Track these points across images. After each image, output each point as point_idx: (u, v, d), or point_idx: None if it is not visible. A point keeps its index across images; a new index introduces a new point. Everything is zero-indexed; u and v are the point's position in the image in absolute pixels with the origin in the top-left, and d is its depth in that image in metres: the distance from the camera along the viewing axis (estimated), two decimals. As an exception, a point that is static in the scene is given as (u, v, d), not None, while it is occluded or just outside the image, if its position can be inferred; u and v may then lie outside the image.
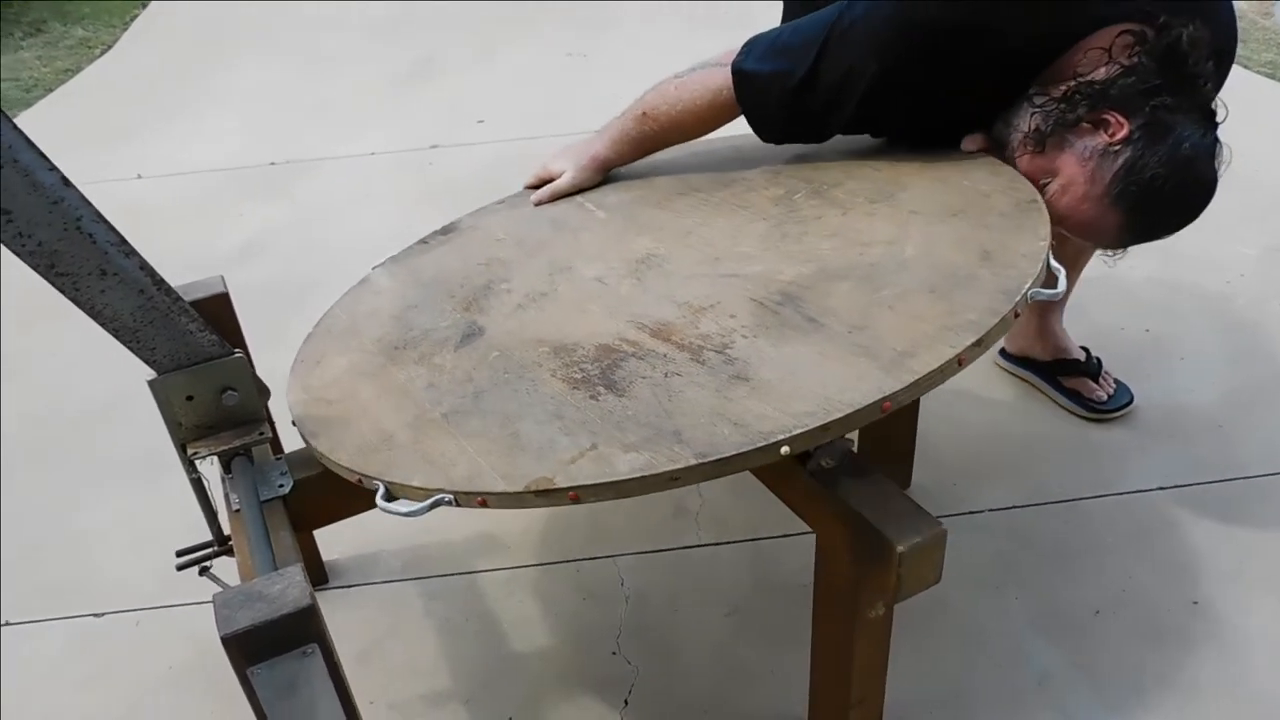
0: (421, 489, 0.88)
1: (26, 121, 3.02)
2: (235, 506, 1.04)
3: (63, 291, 0.87)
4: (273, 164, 2.69)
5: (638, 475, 0.82)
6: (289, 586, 0.78)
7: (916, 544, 0.87)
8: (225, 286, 1.17)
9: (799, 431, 0.82)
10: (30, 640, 1.41)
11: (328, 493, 1.10)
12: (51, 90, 3.27)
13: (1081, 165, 1.08)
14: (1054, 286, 0.97)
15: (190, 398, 1.01)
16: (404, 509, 0.87)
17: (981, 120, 1.20)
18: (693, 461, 0.82)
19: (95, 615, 1.44)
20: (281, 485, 1.07)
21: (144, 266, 0.90)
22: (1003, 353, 1.76)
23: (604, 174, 1.38)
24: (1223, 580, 1.38)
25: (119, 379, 1.85)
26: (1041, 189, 1.12)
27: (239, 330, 1.19)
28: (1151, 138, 1.04)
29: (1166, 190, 1.05)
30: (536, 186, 1.40)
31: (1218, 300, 1.93)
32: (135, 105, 3.13)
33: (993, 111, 1.18)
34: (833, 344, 0.93)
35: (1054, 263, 0.99)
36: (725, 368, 0.93)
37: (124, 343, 0.94)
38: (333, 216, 2.43)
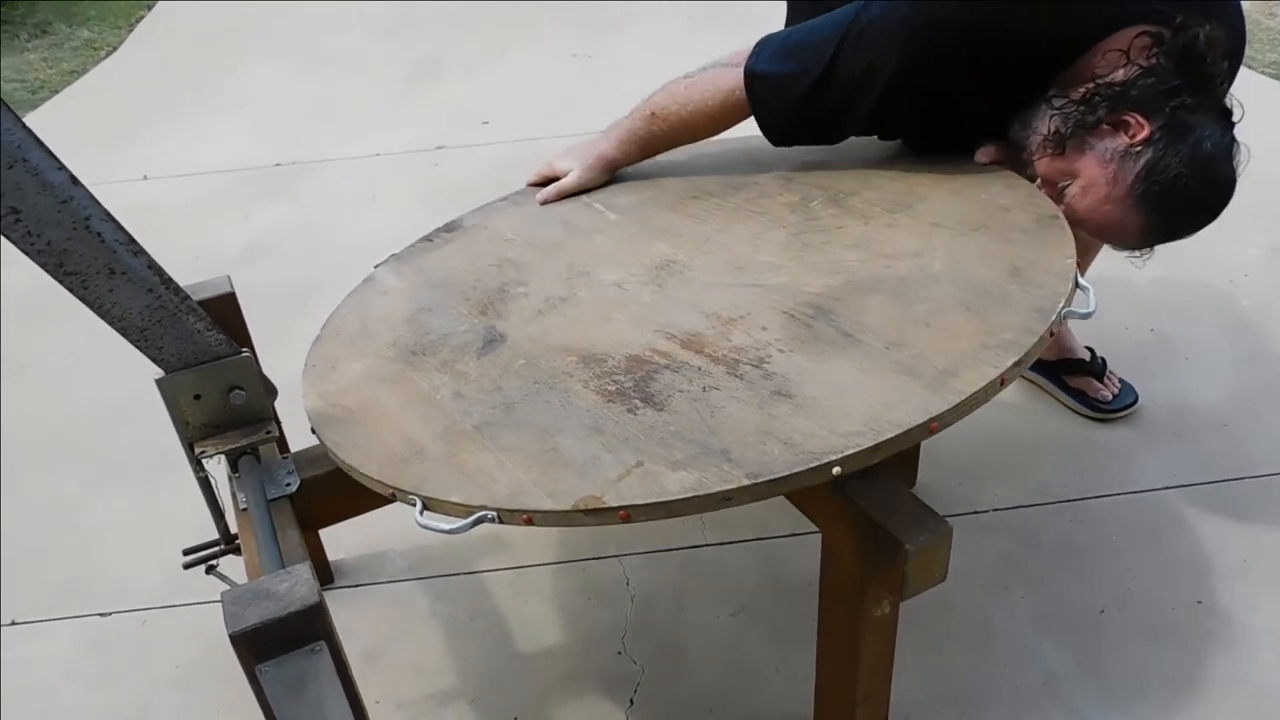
0: (463, 505, 0.86)
1: (33, 123, 3.03)
2: (242, 505, 1.04)
3: (71, 290, 0.88)
4: (278, 165, 2.70)
5: (690, 495, 0.81)
6: (297, 584, 0.78)
7: (923, 543, 0.87)
8: (232, 286, 1.18)
9: (851, 452, 0.82)
10: (37, 639, 1.41)
11: (334, 492, 1.10)
12: (57, 92, 3.28)
13: (1103, 167, 1.08)
14: (1085, 306, 0.98)
15: (198, 396, 1.01)
16: (446, 526, 0.85)
17: (996, 122, 1.20)
18: (745, 482, 0.81)
19: (102, 615, 1.44)
20: (288, 484, 1.08)
21: (152, 265, 0.91)
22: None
23: (610, 174, 1.38)
24: (1228, 579, 1.38)
25: (126, 379, 1.85)
26: (1061, 191, 1.12)
27: (246, 330, 1.19)
28: (1173, 138, 1.04)
29: (1189, 190, 1.05)
30: (540, 184, 1.39)
31: (1223, 300, 1.93)
32: (141, 106, 3.14)
33: (1008, 113, 1.18)
34: (872, 361, 0.92)
35: (1082, 280, 1.00)
36: (765, 383, 0.92)
37: (132, 341, 0.94)
38: (338, 217, 2.43)
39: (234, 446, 1.04)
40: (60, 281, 0.87)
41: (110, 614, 1.44)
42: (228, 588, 0.80)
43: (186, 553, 1.12)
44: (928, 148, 1.30)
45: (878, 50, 1.11)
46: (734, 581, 1.42)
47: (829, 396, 0.89)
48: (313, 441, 1.10)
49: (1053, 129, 1.10)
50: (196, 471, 1.06)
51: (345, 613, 1.40)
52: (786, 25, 1.49)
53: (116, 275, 0.89)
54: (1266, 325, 1.86)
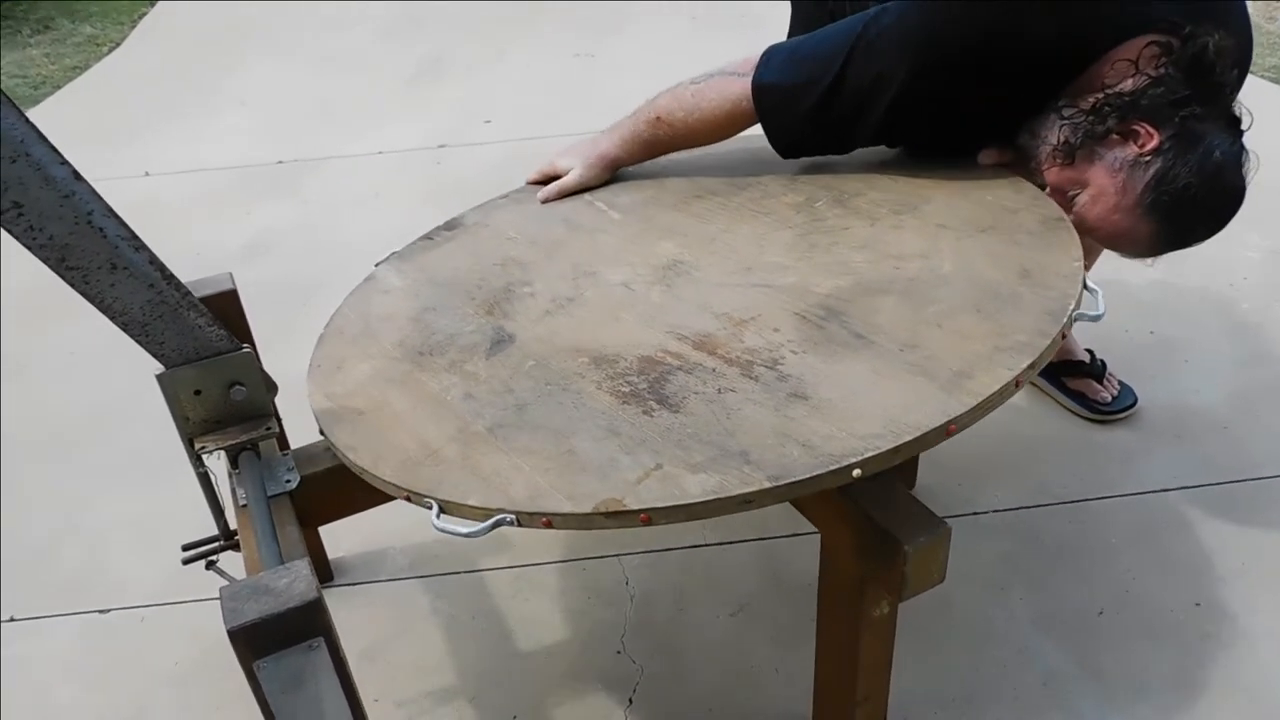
0: (480, 508, 0.86)
1: (34, 119, 3.01)
2: (242, 501, 1.04)
3: (73, 285, 0.88)
4: (280, 162, 2.70)
5: (710, 498, 0.81)
6: (295, 580, 0.78)
7: (922, 543, 0.88)
8: (233, 283, 1.18)
9: (871, 454, 0.82)
10: (36, 636, 1.41)
11: (334, 489, 1.10)
12: (60, 88, 3.28)
13: (1112, 176, 1.08)
14: (1094, 309, 0.99)
15: (198, 392, 1.01)
16: (464, 529, 0.85)
17: (1004, 130, 1.19)
18: (766, 484, 0.81)
19: (101, 611, 1.44)
20: (288, 481, 1.08)
21: (154, 261, 0.91)
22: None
23: (612, 173, 1.38)
24: (1227, 580, 1.38)
25: (125, 377, 1.85)
26: (1071, 200, 1.12)
27: (247, 327, 1.19)
28: (1182, 148, 1.05)
29: (1198, 199, 1.06)
30: (541, 182, 1.40)
31: (1222, 303, 1.93)
32: (143, 103, 3.14)
33: (1016, 120, 1.18)
34: (886, 362, 0.93)
35: (1090, 283, 1.00)
36: (780, 385, 0.92)
37: (133, 337, 0.94)
38: (340, 215, 2.43)
39: (234, 442, 1.04)
40: (62, 276, 0.87)
41: (109, 611, 1.44)
42: (227, 584, 0.80)
43: (186, 548, 1.12)
44: (934, 152, 1.30)
45: (887, 61, 1.11)
46: (733, 581, 1.42)
47: (845, 398, 0.89)
48: (313, 439, 1.10)
49: (1062, 139, 1.10)
50: (196, 467, 1.06)
51: (345, 611, 1.40)
52: (791, 26, 1.49)
53: (118, 270, 0.89)
54: (1266, 327, 1.86)
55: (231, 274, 1.19)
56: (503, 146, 2.69)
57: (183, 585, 1.44)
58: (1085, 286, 1.00)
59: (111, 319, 0.92)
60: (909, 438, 0.83)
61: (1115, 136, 1.08)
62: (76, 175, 0.83)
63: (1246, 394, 1.71)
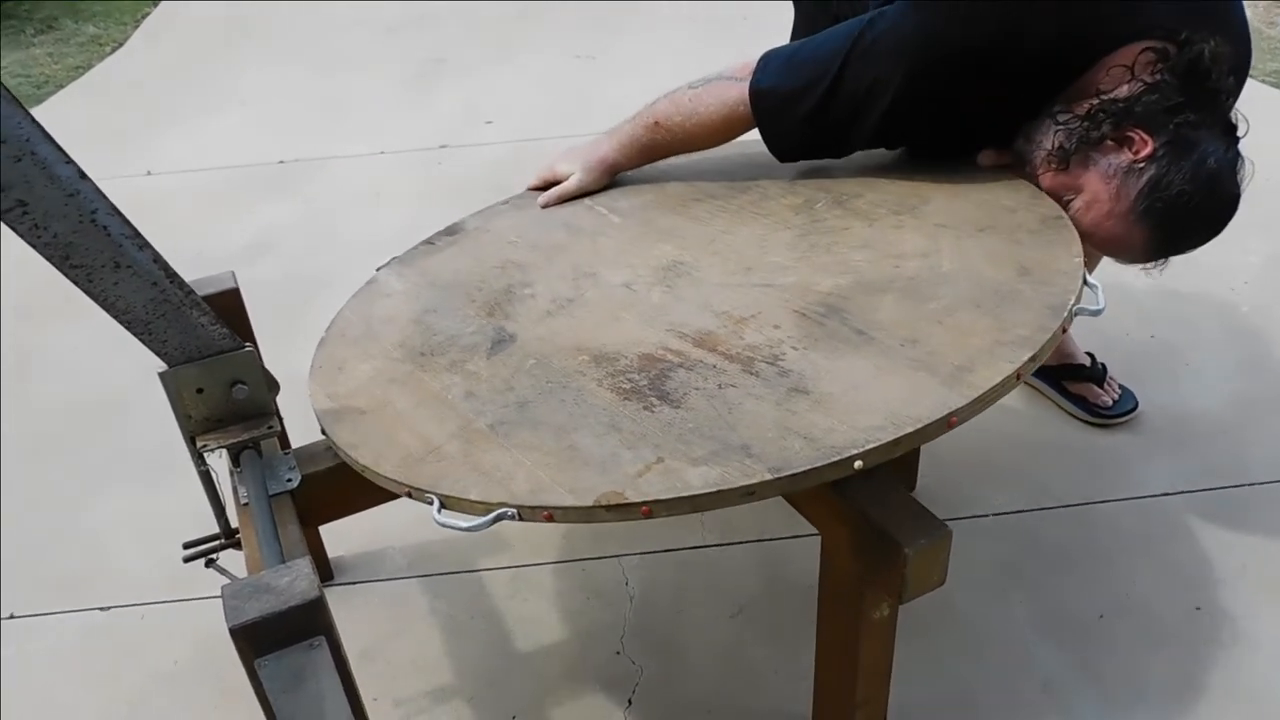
0: (481, 503, 0.86)
1: (37, 118, 3.03)
2: (243, 500, 1.04)
3: (76, 283, 0.88)
4: (282, 162, 2.70)
5: (712, 489, 0.82)
6: (297, 579, 0.78)
7: (923, 546, 0.88)
8: (235, 282, 1.18)
9: (871, 446, 0.82)
10: (35, 633, 1.41)
11: (335, 489, 1.10)
12: (63, 87, 3.29)
13: (1106, 182, 1.08)
14: (1095, 303, 0.99)
15: (200, 390, 1.02)
16: (464, 524, 0.85)
17: (1001, 133, 1.20)
18: (767, 476, 0.82)
19: (101, 609, 1.44)
20: (289, 480, 1.08)
21: (157, 260, 0.91)
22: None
23: (611, 177, 1.38)
24: (1227, 585, 1.38)
25: (127, 374, 1.86)
26: (1065, 205, 1.12)
27: (249, 326, 1.20)
28: (1176, 154, 1.05)
29: (1192, 206, 1.06)
30: (540, 188, 1.40)
31: (1223, 307, 1.93)
32: (145, 102, 3.14)
33: (1013, 126, 1.18)
34: (887, 358, 0.93)
35: (1090, 279, 1.01)
36: (781, 380, 0.93)
37: (136, 335, 0.95)
38: (342, 215, 2.44)
39: (236, 441, 1.04)
40: (66, 274, 0.87)
41: (109, 608, 1.44)
42: (228, 582, 0.80)
43: (187, 546, 1.12)
44: (931, 155, 1.31)
45: (883, 66, 1.11)
46: (733, 582, 1.42)
47: (846, 392, 0.90)
48: (314, 438, 1.11)
49: (1057, 144, 1.11)
50: (198, 465, 1.06)
51: (344, 610, 1.40)
52: (794, 27, 1.50)
53: (122, 269, 0.89)
54: (1267, 332, 1.86)
55: (234, 273, 1.19)
56: (504, 147, 2.69)
57: (183, 583, 1.44)
58: (1085, 282, 1.00)
59: (115, 317, 0.92)
60: (910, 429, 0.84)
61: (1110, 143, 1.08)
62: (81, 174, 0.83)
63: (1247, 398, 1.71)
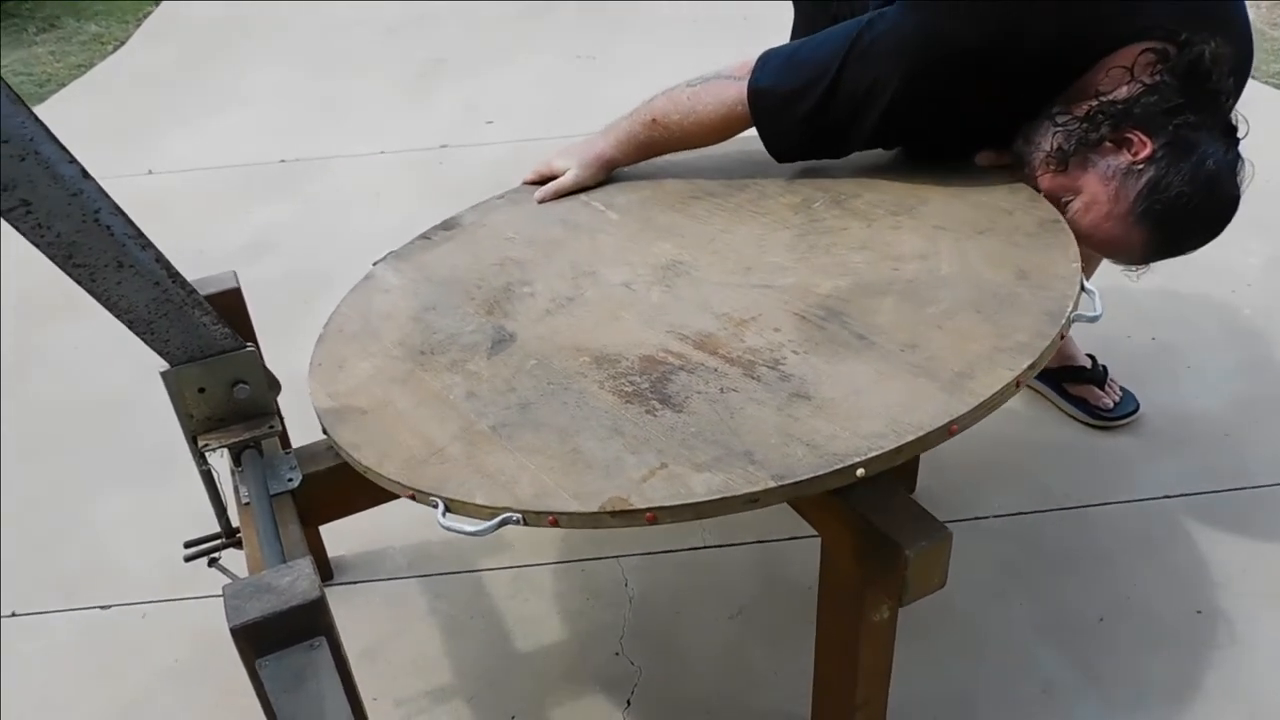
0: (486, 507, 0.86)
1: (39, 116, 3.03)
2: (244, 500, 1.04)
3: (79, 283, 0.88)
4: (283, 161, 2.70)
5: (716, 497, 0.82)
6: (298, 579, 0.78)
7: (923, 548, 0.87)
8: (237, 282, 1.18)
9: (874, 454, 0.83)
10: (36, 631, 1.41)
11: (336, 488, 1.10)
12: (64, 85, 3.29)
13: (1105, 184, 1.08)
14: (1092, 310, 0.99)
15: (202, 390, 1.02)
16: (470, 528, 0.85)
17: (999, 133, 1.20)
18: (771, 484, 0.82)
19: (102, 608, 1.44)
20: (290, 480, 1.08)
21: (160, 259, 0.91)
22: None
23: (608, 174, 1.38)
24: (1228, 588, 1.38)
25: (128, 374, 1.86)
26: (1064, 207, 1.12)
27: (250, 325, 1.20)
28: (1175, 156, 1.05)
29: (1191, 208, 1.06)
30: (537, 183, 1.40)
31: (1224, 309, 1.93)
32: (147, 101, 3.14)
33: (1011, 127, 1.18)
34: (887, 363, 0.93)
35: (1088, 284, 1.01)
36: (782, 385, 0.93)
37: (138, 334, 0.95)
38: (343, 214, 2.44)
39: (237, 440, 1.04)
40: (69, 274, 0.87)
41: (110, 607, 1.44)
42: (228, 581, 0.81)
43: (188, 545, 1.13)
44: (930, 156, 1.31)
45: (882, 67, 1.11)
46: (733, 584, 1.43)
47: (847, 398, 0.90)
48: (314, 437, 1.11)
49: (1056, 145, 1.11)
50: (199, 465, 1.06)
51: (344, 609, 1.40)
52: (794, 27, 1.50)
53: (125, 268, 0.89)
54: (1268, 334, 1.86)
55: (235, 272, 1.19)
56: (505, 147, 2.70)
57: (184, 582, 1.44)
58: (1083, 288, 1.00)
59: (117, 316, 0.92)
60: (912, 437, 0.84)
61: (1108, 144, 1.08)
62: (84, 173, 0.83)
63: (1248, 401, 1.71)
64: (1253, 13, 3.22)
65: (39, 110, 3.11)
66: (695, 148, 1.33)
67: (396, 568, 1.48)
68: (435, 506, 0.88)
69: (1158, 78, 1.07)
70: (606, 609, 1.39)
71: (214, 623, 0.79)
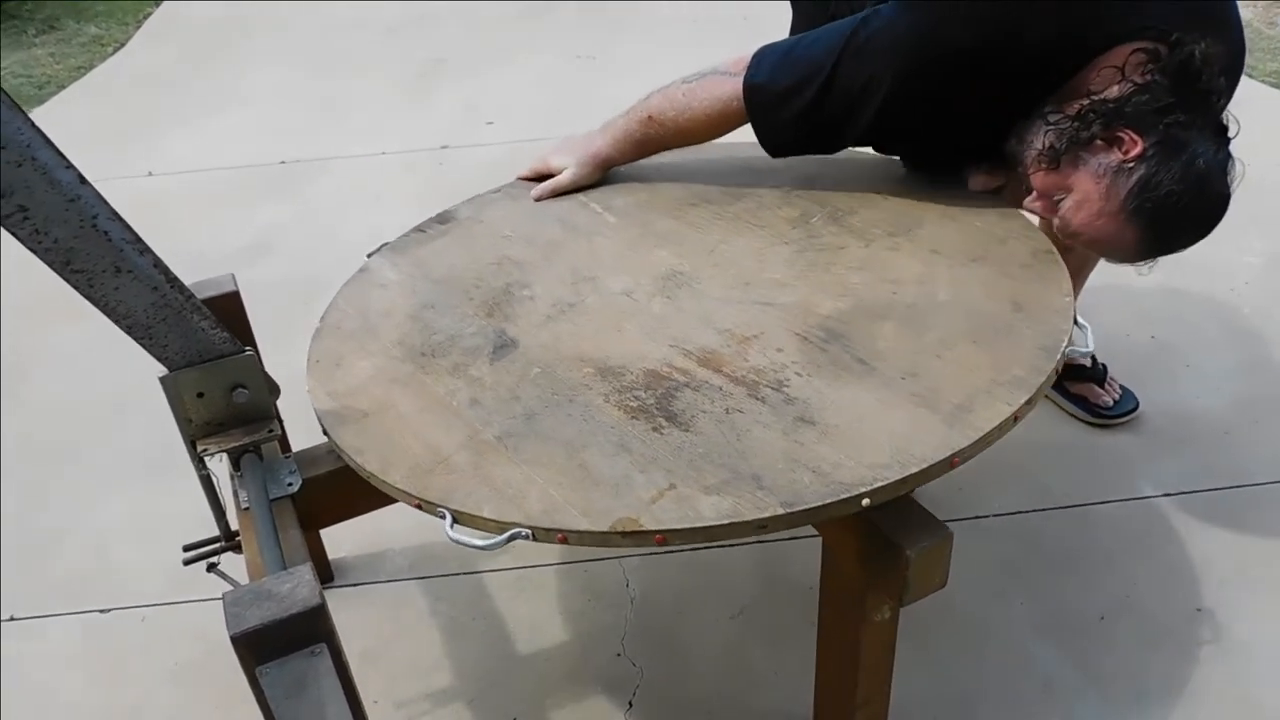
0: (495, 521, 0.86)
1: (39, 119, 3.01)
2: (244, 504, 1.04)
3: (77, 288, 0.88)
4: (283, 163, 2.70)
5: (725, 521, 0.82)
6: (298, 586, 0.78)
7: (924, 548, 0.88)
8: (236, 285, 1.18)
9: (880, 485, 0.84)
10: (36, 635, 1.41)
11: (336, 492, 1.10)
12: (64, 87, 3.29)
13: (1096, 182, 1.08)
14: (1084, 344, 1.02)
15: (201, 394, 1.01)
16: (480, 542, 0.85)
17: (994, 135, 1.20)
18: (780, 511, 0.83)
19: (101, 611, 1.44)
20: (290, 484, 1.08)
21: (158, 264, 0.91)
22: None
23: (604, 172, 1.38)
24: (1227, 586, 1.38)
25: (128, 377, 1.86)
26: (1056, 204, 1.12)
27: (249, 328, 1.20)
28: (1165, 155, 1.05)
29: (1181, 206, 1.06)
30: (533, 179, 1.40)
31: (1223, 308, 1.93)
32: (147, 103, 3.14)
33: (1004, 128, 1.18)
34: (890, 391, 0.94)
35: (1080, 319, 1.03)
36: (787, 408, 0.94)
37: (137, 339, 0.95)
38: (343, 216, 2.44)
39: (236, 445, 1.04)
40: (66, 279, 0.87)
41: (110, 611, 1.44)
42: (228, 586, 0.80)
43: (187, 549, 1.12)
44: (923, 164, 1.30)
45: (877, 64, 1.11)
46: (734, 584, 1.43)
47: (851, 425, 0.91)
48: (313, 441, 1.11)
49: (1047, 144, 1.11)
50: (198, 469, 1.06)
51: (345, 612, 1.40)
52: (792, 26, 1.49)
53: (122, 273, 0.89)
54: (1267, 332, 1.86)
55: (234, 275, 1.19)
56: (505, 148, 2.69)
57: (184, 586, 1.44)
58: (1075, 322, 1.02)
59: (115, 322, 0.92)
60: (916, 469, 0.85)
61: (1100, 143, 1.08)
62: (82, 179, 0.83)
63: (1248, 399, 1.71)
64: (1249, 12, 3.22)
65: (39, 112, 3.11)
66: (691, 144, 1.33)
67: (397, 569, 1.48)
68: (443, 518, 0.88)
69: (1149, 77, 1.07)
70: (608, 610, 1.39)
71: (215, 626, 0.79)
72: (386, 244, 1.30)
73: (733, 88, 1.21)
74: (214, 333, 0.99)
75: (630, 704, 1.26)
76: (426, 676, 1.32)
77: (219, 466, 1.07)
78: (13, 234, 0.82)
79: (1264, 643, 1.30)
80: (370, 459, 0.95)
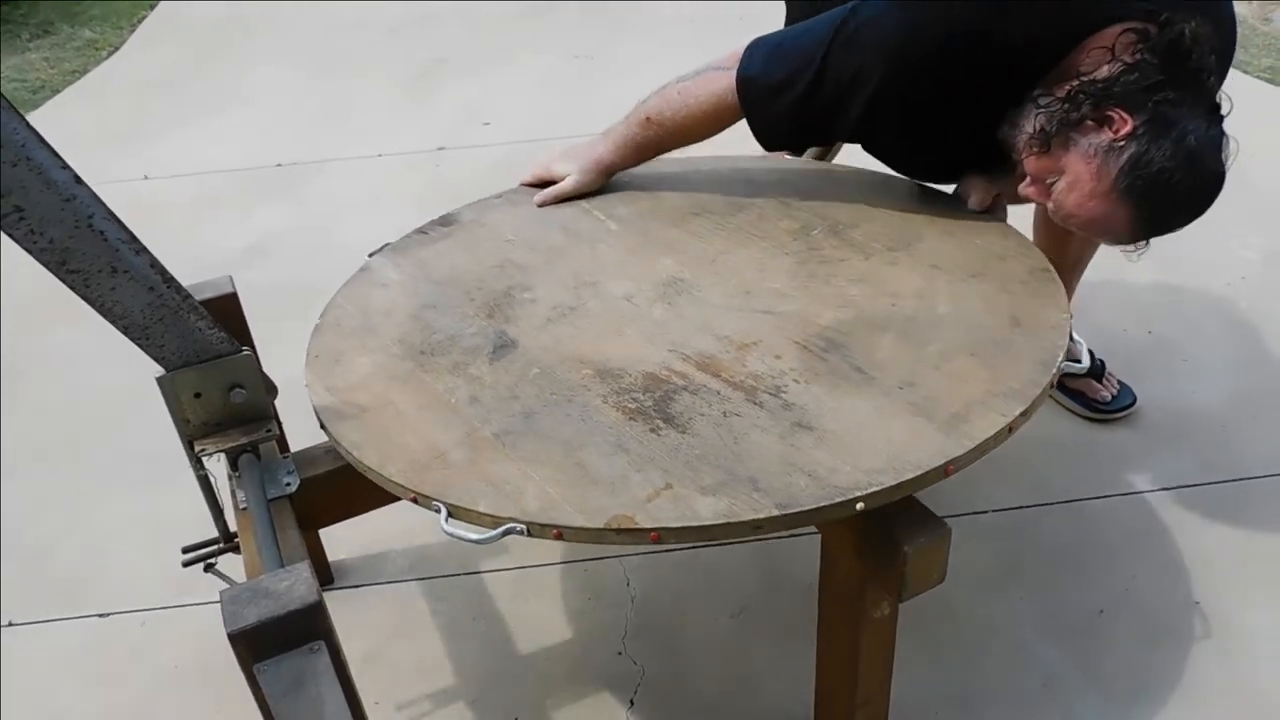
0: (490, 516, 0.86)
1: (34, 123, 3.02)
2: (242, 504, 1.04)
3: (73, 289, 0.88)
4: (279, 165, 2.70)
5: (721, 521, 0.83)
6: (296, 583, 0.78)
7: (922, 544, 0.89)
8: (234, 286, 1.18)
9: (874, 489, 0.85)
10: (35, 641, 1.41)
11: (334, 492, 1.10)
12: (59, 92, 3.28)
13: (1087, 162, 1.08)
14: (1079, 360, 1.02)
15: (198, 395, 1.01)
16: (474, 536, 0.85)
17: (982, 132, 1.19)
18: (775, 512, 0.84)
19: (101, 616, 1.44)
20: (288, 484, 1.08)
21: (154, 264, 0.91)
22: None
23: (607, 178, 1.38)
24: (1225, 581, 1.38)
25: (125, 380, 1.85)
26: (1049, 188, 1.12)
27: (247, 330, 1.20)
28: (1156, 132, 1.05)
29: (1173, 183, 1.05)
30: (536, 185, 1.40)
31: (1220, 303, 1.93)
32: (142, 107, 3.14)
33: (994, 122, 1.18)
34: (887, 399, 0.95)
35: (1076, 336, 1.04)
36: (785, 413, 0.94)
37: (134, 340, 0.94)
38: (339, 218, 2.44)
39: (234, 445, 1.04)
40: (62, 280, 0.87)
41: (109, 615, 1.44)
42: (227, 587, 0.80)
43: (185, 550, 1.12)
44: (916, 169, 1.31)
45: (866, 55, 1.12)
46: (734, 582, 1.43)
47: (848, 431, 0.92)
48: (311, 441, 1.11)
49: (1038, 127, 1.10)
50: (196, 470, 1.06)
51: (345, 613, 1.40)
52: (786, 24, 1.50)
53: (119, 274, 0.89)
54: (1264, 328, 1.86)
55: (231, 277, 1.19)
56: (502, 149, 2.69)
57: (183, 589, 1.44)
58: (1071, 338, 1.03)
59: (112, 322, 0.92)
60: (910, 475, 0.86)
61: (1090, 123, 1.08)
62: (77, 179, 0.83)
63: (1245, 394, 1.71)
64: (1243, 9, 3.23)
65: (33, 117, 3.10)
66: (692, 142, 1.33)
67: (397, 571, 1.48)
68: (438, 511, 0.88)
69: (1138, 56, 1.06)
70: (608, 609, 1.39)
71: (214, 628, 0.79)
72: (388, 244, 1.30)
73: (727, 82, 1.22)
74: (211, 332, 0.98)
75: (631, 703, 1.26)
76: (427, 677, 1.31)
77: (217, 467, 1.07)
78: (9, 234, 0.82)
79: (1263, 636, 1.30)
80: (368, 454, 0.96)
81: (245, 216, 2.46)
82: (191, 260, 2.20)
